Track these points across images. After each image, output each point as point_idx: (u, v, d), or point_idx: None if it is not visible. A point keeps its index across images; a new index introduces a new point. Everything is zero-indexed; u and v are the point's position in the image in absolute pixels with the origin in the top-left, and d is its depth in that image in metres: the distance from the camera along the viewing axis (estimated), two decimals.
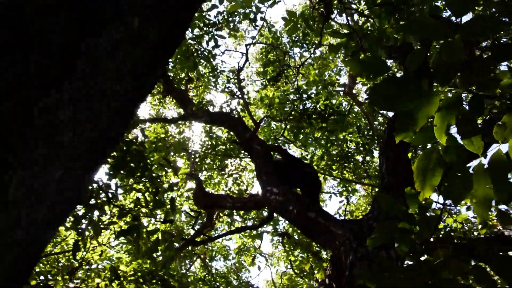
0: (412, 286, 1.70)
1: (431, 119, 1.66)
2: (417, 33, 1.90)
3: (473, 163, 1.67)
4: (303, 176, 5.96)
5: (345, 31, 5.41)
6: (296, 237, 9.47)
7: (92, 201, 4.29)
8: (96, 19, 1.19)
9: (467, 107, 1.61)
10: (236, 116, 8.52)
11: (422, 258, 2.20)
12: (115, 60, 1.23)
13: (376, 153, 9.20)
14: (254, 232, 10.68)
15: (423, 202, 2.09)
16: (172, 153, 9.67)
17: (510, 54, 1.49)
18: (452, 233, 6.04)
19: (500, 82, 1.53)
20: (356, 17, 6.35)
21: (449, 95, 1.74)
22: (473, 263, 1.61)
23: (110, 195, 4.51)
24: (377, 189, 8.70)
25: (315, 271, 9.46)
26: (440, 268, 1.62)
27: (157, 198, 4.37)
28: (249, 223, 10.27)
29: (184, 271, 9.29)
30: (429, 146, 1.89)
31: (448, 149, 1.71)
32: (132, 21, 1.26)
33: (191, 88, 9.83)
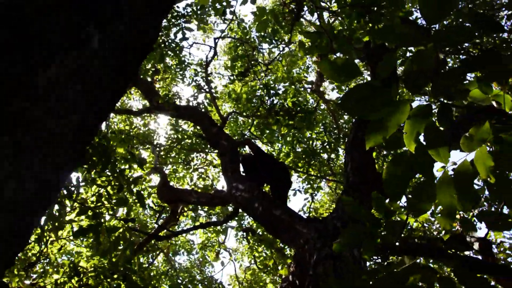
0: None
1: (402, 126, 1.68)
2: (389, 39, 1.92)
3: (439, 173, 1.70)
4: (273, 171, 5.97)
5: (315, 29, 5.43)
6: (260, 233, 9.50)
7: None
8: (96, 19, 1.18)
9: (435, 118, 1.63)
10: (203, 110, 8.43)
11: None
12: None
13: (341, 152, 9.34)
14: (219, 227, 10.66)
15: (391, 207, 2.12)
16: (136, 146, 9.50)
17: (480, 65, 1.52)
18: (413, 232, 6.22)
19: (468, 93, 1.56)
20: (326, 15, 6.40)
21: (420, 103, 1.76)
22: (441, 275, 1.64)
23: (71, 189, 4.36)
24: (342, 187, 8.84)
25: (279, 267, 9.55)
26: (406, 274, 1.64)
27: (120, 195, 4.26)
28: (214, 219, 10.23)
29: (146, 266, 9.16)
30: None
31: (417, 157, 1.73)
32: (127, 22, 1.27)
33: (157, 80, 9.64)
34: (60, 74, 1.18)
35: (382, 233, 2.20)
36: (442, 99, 1.62)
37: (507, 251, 6.59)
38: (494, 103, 1.85)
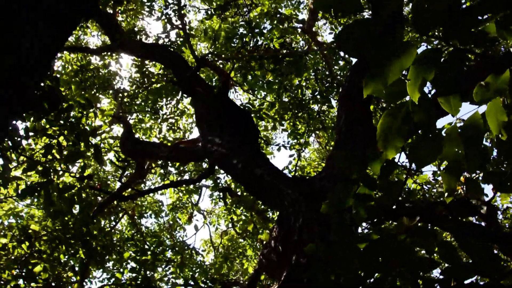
0: (372, 257, 1.77)
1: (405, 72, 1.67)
2: None
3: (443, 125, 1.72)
4: (241, 117, 6.07)
5: None
6: (239, 193, 9.64)
7: None
8: None
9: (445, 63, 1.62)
10: (174, 50, 8.26)
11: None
12: None
13: (334, 103, 9.37)
14: (192, 186, 10.76)
15: (385, 164, 2.15)
16: (95, 91, 9.33)
17: (501, 5, 1.50)
18: (411, 196, 6.38)
19: (487, 37, 1.55)
20: None
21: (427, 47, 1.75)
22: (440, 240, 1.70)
23: (16, 140, 4.29)
24: (333, 143, 8.94)
25: (260, 232, 9.77)
26: (403, 240, 1.69)
27: (74, 148, 4.21)
28: (186, 177, 10.30)
29: (108, 229, 9.26)
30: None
31: (419, 107, 1.74)
32: None
33: (119, 11, 9.34)
34: None
35: (377, 195, 2.25)
36: (454, 44, 1.60)
37: None
38: None
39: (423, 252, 2.13)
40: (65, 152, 4.30)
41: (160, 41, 8.53)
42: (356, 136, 4.97)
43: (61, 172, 4.74)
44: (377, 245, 1.95)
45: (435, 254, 1.89)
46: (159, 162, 9.41)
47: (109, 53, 9.54)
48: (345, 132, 5.11)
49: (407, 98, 1.72)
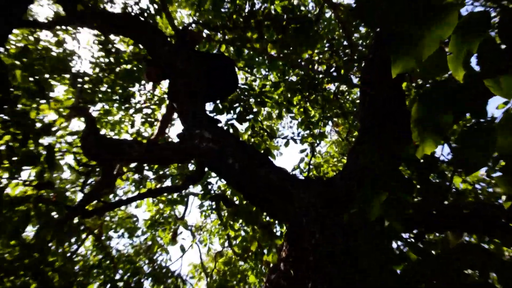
0: (412, 283, 1.79)
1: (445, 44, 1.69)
2: None
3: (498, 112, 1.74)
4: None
5: None
6: (237, 202, 9.66)
7: None
8: None
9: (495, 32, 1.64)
10: (148, 20, 8.26)
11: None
12: None
13: (356, 81, 9.38)
14: (175, 195, 10.78)
15: (423, 160, 2.16)
16: (47, 75, 9.35)
17: None
18: (460, 199, 6.38)
19: None
20: None
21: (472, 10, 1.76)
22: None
23: None
24: (356, 132, 8.94)
25: (265, 252, 9.80)
26: (451, 261, 1.71)
27: (24, 149, 4.24)
28: (168, 183, 10.32)
29: (68, 254, 9.30)
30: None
31: (464, 87, 1.75)
32: None
33: None
34: None
35: (415, 199, 2.26)
36: (506, 4, 1.63)
37: None
38: None
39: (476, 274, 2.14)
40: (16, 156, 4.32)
41: (129, 10, 8.53)
42: (384, 124, 4.99)
43: (5, 182, 4.78)
44: (417, 266, 1.96)
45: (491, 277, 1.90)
46: (132, 165, 9.43)
47: (63, 27, 9.54)
48: (370, 119, 5.12)
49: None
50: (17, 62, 8.20)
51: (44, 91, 4.96)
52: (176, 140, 7.27)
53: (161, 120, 7.75)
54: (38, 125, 4.97)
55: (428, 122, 1.82)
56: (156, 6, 8.68)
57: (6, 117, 4.55)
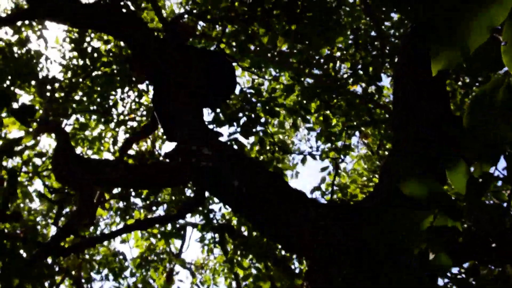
0: None
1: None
2: None
3: None
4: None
5: None
6: (245, 233, 9.64)
7: None
8: None
9: None
10: (130, 10, 8.28)
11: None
12: None
13: (387, 81, 9.36)
14: (170, 226, 10.76)
15: (479, 178, 2.13)
16: (8, 81, 9.37)
17: None
18: None
19: None
20: None
21: None
22: None
23: None
24: (389, 145, 8.91)
25: None
26: None
27: None
28: (160, 212, 10.32)
29: None
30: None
31: None
32: None
33: None
34: None
35: (465, 225, 2.23)
36: None
37: None
38: None
39: None
40: None
41: None
42: (424, 134, 4.96)
43: None
44: None
45: None
46: (116, 191, 9.44)
47: (27, 23, 9.59)
48: (406, 127, 5.10)
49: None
50: None
51: (9, 101, 4.93)
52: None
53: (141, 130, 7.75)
54: None
55: (485, 132, 1.79)
56: None
57: None
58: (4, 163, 4.83)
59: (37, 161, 8.95)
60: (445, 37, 1.66)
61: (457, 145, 1.95)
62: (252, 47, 9.17)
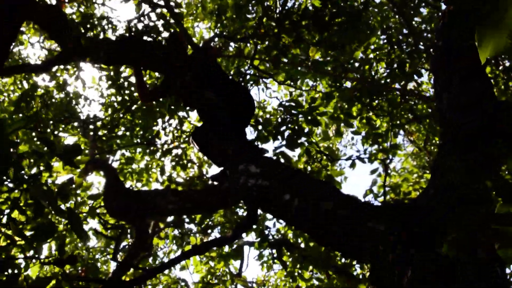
0: None
1: None
2: None
3: None
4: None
5: None
6: (302, 245, 9.60)
7: None
8: None
9: None
10: (159, 38, 8.31)
11: None
12: None
13: (426, 76, 9.29)
14: (226, 248, 10.76)
15: None
16: (51, 128, 9.48)
17: None
18: None
19: None
20: None
21: None
22: None
23: None
24: (436, 139, 8.81)
25: None
26: None
27: (40, 220, 4.29)
28: (215, 234, 10.32)
29: None
30: None
31: None
32: None
33: (66, 1, 9.52)
34: None
35: None
36: None
37: None
38: None
39: None
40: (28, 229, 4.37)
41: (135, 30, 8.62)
42: (470, 125, 4.89)
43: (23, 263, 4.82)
44: None
45: None
46: (169, 219, 9.48)
47: (62, 67, 9.71)
48: (452, 119, 5.04)
49: None
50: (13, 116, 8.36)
51: (54, 148, 4.98)
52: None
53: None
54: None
55: None
56: (162, 21, 8.66)
57: (10, 185, 4.62)
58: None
59: (89, 201, 9.03)
60: (492, 23, 1.64)
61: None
62: (285, 60, 9.17)
